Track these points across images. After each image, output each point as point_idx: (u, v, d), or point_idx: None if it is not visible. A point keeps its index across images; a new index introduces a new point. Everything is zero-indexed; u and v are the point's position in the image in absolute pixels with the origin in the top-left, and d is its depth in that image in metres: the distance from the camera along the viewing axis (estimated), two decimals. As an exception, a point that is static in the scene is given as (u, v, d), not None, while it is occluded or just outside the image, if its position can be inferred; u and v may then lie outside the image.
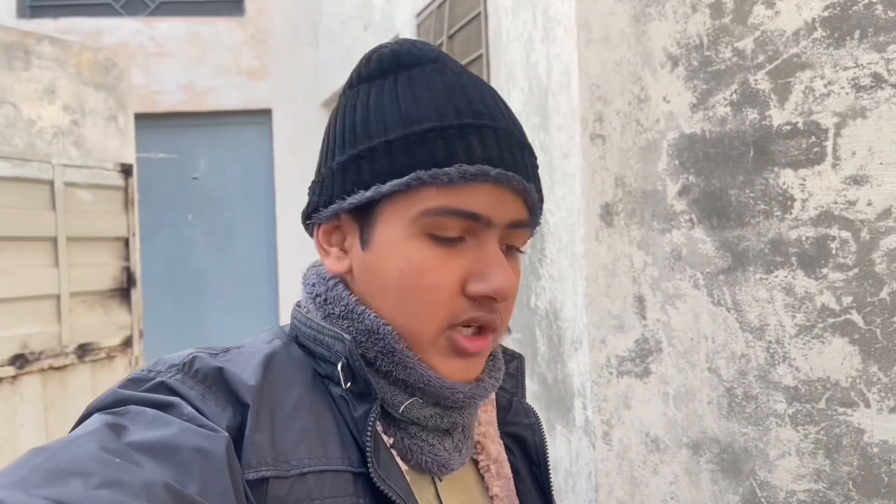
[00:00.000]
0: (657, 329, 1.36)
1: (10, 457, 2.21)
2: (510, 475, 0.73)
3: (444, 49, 2.37)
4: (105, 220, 2.70)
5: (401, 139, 0.60)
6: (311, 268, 0.70)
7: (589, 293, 1.40)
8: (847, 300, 1.17)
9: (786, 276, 1.22)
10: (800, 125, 1.21)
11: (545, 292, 1.67)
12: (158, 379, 0.59)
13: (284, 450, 0.58)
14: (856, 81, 1.16)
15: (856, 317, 1.16)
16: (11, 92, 2.40)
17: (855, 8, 1.15)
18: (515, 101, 1.85)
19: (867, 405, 1.16)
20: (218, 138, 5.38)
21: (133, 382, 0.59)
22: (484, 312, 0.62)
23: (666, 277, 1.35)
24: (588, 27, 1.41)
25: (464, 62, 2.27)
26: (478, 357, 0.65)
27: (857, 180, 1.16)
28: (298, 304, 0.70)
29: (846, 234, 1.17)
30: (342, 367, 0.61)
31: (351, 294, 0.64)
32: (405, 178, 0.59)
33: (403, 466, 0.63)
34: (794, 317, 1.22)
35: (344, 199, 0.62)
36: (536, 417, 0.77)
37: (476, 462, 0.72)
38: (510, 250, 0.65)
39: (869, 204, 1.16)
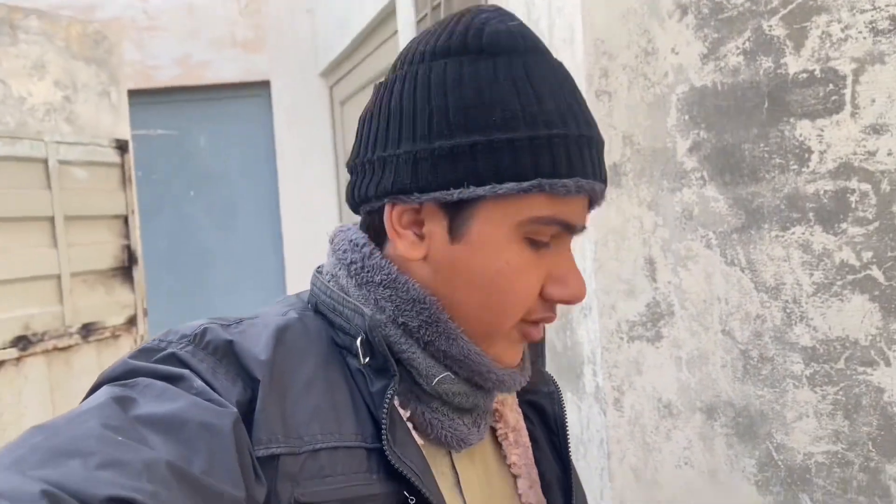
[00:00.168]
0: (669, 292, 1.32)
1: (18, 438, 2.20)
2: (528, 443, 0.73)
3: (441, 9, 2.30)
4: (102, 198, 2.66)
5: (524, 140, 0.58)
6: (339, 232, 0.68)
7: (598, 257, 1.36)
8: (867, 255, 1.13)
9: (803, 233, 1.18)
10: (816, 73, 1.16)
11: (552, 257, 1.62)
12: (169, 350, 0.58)
13: (296, 426, 0.57)
14: (874, 25, 1.11)
15: (876, 272, 1.12)
16: (-1, 68, 2.35)
17: (874, -55, 1.09)
18: (516, 61, 1.79)
19: (888, 364, 1.12)
20: (216, 112, 5.32)
21: (144, 353, 0.58)
22: (552, 313, 0.65)
23: (677, 238, 1.31)
24: (591, -22, 1.34)
25: (462, 23, 2.19)
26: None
27: (877, 129, 1.11)
28: (319, 270, 0.68)
29: (866, 187, 1.13)
30: (361, 341, 0.60)
31: (391, 263, 0.63)
32: (526, 184, 0.58)
33: (420, 440, 0.63)
34: (811, 275, 1.18)
35: (450, 189, 0.59)
36: (556, 386, 0.76)
37: (494, 430, 0.72)
38: None
39: (889, 154, 1.11)
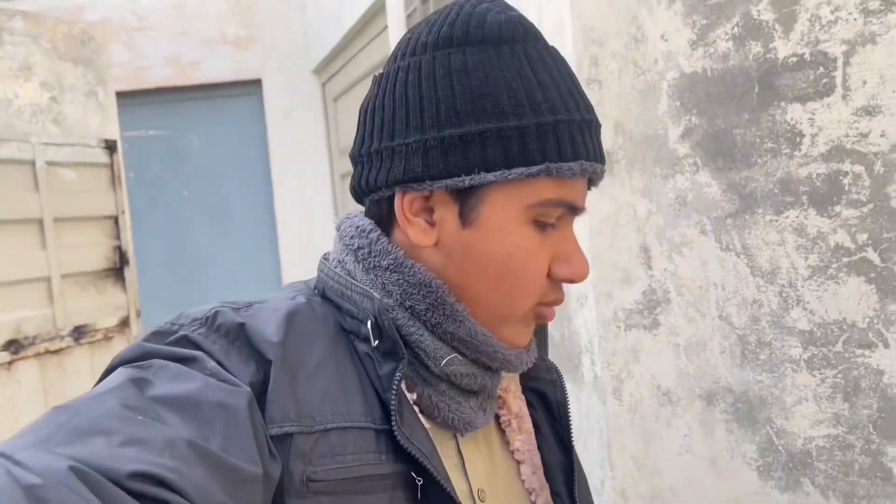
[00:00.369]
0: (664, 279, 1.31)
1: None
2: (531, 430, 0.74)
3: (430, 1, 2.28)
4: (92, 199, 2.64)
5: (532, 127, 0.60)
6: (346, 219, 0.69)
7: (593, 246, 1.35)
8: (862, 237, 1.12)
9: (797, 217, 1.17)
10: (806, 56, 1.15)
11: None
12: (181, 332, 0.59)
13: (308, 406, 0.58)
14: (864, 6, 1.10)
15: (872, 254, 1.12)
16: (-15, 71, 2.32)
17: (863, -76, 1.08)
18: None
19: (886, 345, 1.12)
20: (208, 112, 5.29)
21: (156, 336, 0.60)
22: (562, 293, 0.67)
23: (671, 225, 1.30)
24: (579, -35, 1.33)
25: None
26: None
27: (869, 111, 1.11)
28: (326, 257, 0.70)
29: (859, 169, 1.12)
30: (371, 325, 0.61)
31: (398, 248, 0.65)
32: (534, 169, 0.60)
33: (426, 423, 0.64)
34: (806, 258, 1.17)
35: (461, 176, 0.60)
36: (558, 374, 0.77)
37: (498, 417, 0.73)
38: None
39: (882, 135, 1.10)
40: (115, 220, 2.74)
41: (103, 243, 2.68)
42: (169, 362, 0.55)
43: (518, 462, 0.72)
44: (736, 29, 1.21)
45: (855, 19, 1.11)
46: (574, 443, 0.75)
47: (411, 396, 0.64)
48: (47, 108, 2.48)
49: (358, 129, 0.67)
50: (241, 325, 0.60)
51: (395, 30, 2.81)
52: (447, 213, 0.63)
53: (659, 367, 1.33)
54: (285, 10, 5.27)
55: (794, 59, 1.16)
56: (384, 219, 0.67)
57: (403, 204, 0.64)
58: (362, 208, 0.70)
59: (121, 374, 0.54)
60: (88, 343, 2.56)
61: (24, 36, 2.37)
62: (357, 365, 0.63)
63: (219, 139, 5.29)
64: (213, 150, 5.29)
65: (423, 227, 0.64)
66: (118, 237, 2.72)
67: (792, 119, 1.17)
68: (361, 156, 0.66)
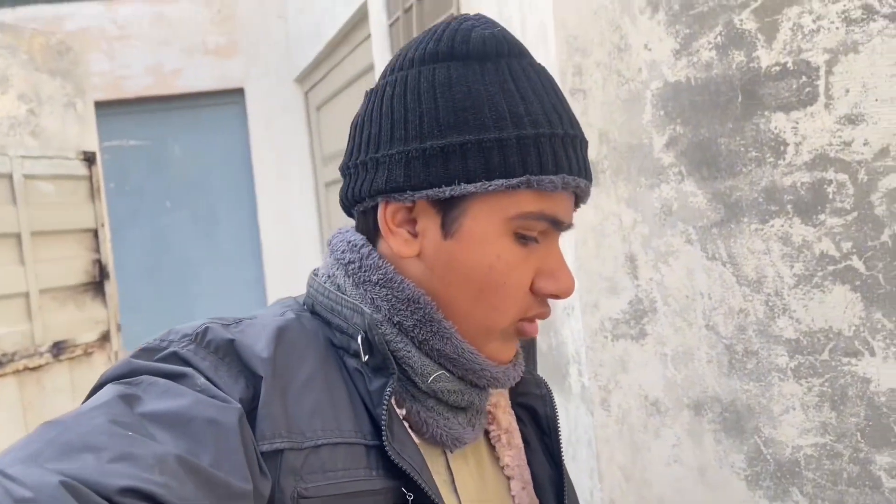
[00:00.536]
0: (651, 289, 1.31)
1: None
2: (521, 445, 0.74)
3: (413, 10, 2.28)
4: (70, 212, 2.60)
5: (513, 140, 0.60)
6: (337, 234, 0.70)
7: (578, 256, 1.35)
8: (847, 246, 1.12)
9: (782, 225, 1.17)
10: (789, 65, 1.15)
11: (532, 258, 1.61)
12: (171, 349, 0.59)
13: (299, 422, 0.58)
14: (846, 14, 1.11)
15: (857, 262, 1.12)
16: (-38, 84, 2.28)
17: (843, -66, 1.08)
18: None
19: (872, 353, 1.12)
20: (190, 122, 5.26)
21: (145, 352, 0.59)
22: (546, 307, 0.67)
23: (657, 234, 1.30)
24: (561, -26, 1.33)
25: (435, 20, 2.18)
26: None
27: (852, 119, 1.11)
28: (316, 273, 0.70)
29: (843, 177, 1.12)
30: (361, 339, 0.62)
31: (388, 263, 0.64)
32: (515, 181, 0.60)
33: (416, 439, 0.64)
34: (792, 267, 1.17)
35: (441, 187, 0.61)
36: (548, 388, 0.77)
37: (487, 432, 0.73)
38: None
39: (865, 143, 1.10)
40: (95, 233, 2.70)
41: (82, 257, 2.64)
42: (158, 378, 0.55)
43: (508, 477, 0.72)
44: (719, 38, 1.21)
45: (837, 28, 1.11)
46: (563, 456, 0.74)
47: (401, 412, 0.64)
48: (25, 120, 2.44)
49: (348, 142, 0.68)
50: (231, 342, 0.60)
51: (378, 39, 2.80)
52: (430, 224, 0.64)
53: (646, 377, 1.32)
54: (267, 19, 5.25)
55: (777, 68, 1.16)
56: (370, 231, 0.67)
57: (386, 214, 0.64)
58: (348, 218, 0.71)
59: (110, 390, 0.54)
60: (68, 359, 2.52)
61: (1, 48, 2.33)
62: (347, 380, 0.63)
63: (201, 149, 5.26)
64: (195, 159, 5.25)
65: (406, 238, 0.64)
66: (98, 250, 2.69)
67: (776, 128, 1.17)
68: (349, 168, 0.67)
